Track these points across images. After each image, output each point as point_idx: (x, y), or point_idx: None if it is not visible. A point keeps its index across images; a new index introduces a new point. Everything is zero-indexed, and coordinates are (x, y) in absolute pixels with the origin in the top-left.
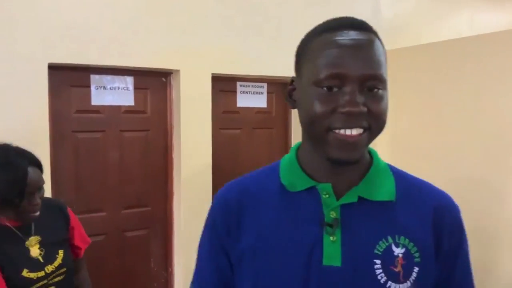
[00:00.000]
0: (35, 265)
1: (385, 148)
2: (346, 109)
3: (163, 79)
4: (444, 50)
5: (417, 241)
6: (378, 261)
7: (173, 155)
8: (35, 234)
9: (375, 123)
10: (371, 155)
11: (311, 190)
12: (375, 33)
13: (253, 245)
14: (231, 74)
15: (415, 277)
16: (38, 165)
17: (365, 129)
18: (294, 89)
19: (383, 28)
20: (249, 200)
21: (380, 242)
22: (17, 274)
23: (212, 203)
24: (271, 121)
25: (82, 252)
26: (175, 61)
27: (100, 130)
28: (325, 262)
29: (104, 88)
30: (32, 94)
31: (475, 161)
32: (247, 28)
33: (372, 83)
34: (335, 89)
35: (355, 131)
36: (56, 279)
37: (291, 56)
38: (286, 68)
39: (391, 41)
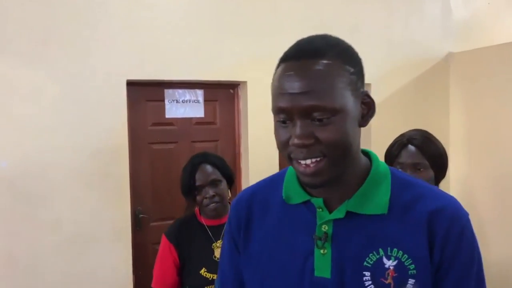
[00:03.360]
0: (214, 266)
1: (460, 148)
2: (295, 141)
3: (231, 91)
4: None
5: (412, 252)
6: (367, 273)
7: (241, 164)
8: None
9: (328, 151)
10: (371, 160)
11: (308, 203)
12: (335, 53)
13: (257, 251)
14: None
15: None
16: (213, 163)
17: (322, 157)
18: None
19: (454, 29)
20: (257, 207)
21: (371, 254)
22: (196, 271)
23: (230, 207)
24: None
25: None
26: (242, 73)
27: (173, 142)
28: (316, 273)
29: (177, 101)
30: (112, 109)
31: None
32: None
33: (318, 114)
34: (287, 122)
35: (309, 161)
36: None
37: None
38: None
39: (463, 42)
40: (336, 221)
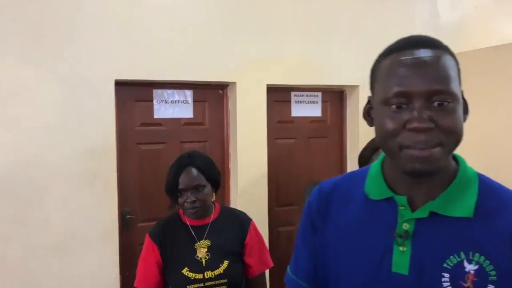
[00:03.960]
0: (196, 266)
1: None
2: (413, 125)
3: (220, 92)
4: (508, 53)
5: (494, 259)
6: (446, 275)
7: (230, 165)
8: (207, 238)
9: (446, 138)
10: (458, 164)
11: (391, 200)
12: (445, 49)
13: (334, 242)
14: (285, 85)
15: None
16: (198, 167)
17: (437, 144)
18: (371, 107)
19: (442, 32)
20: (338, 198)
21: (451, 257)
22: (178, 271)
23: (312, 192)
24: (326, 130)
25: (255, 272)
26: (231, 73)
27: (161, 142)
28: (394, 269)
29: (166, 102)
30: (100, 109)
31: None
32: (301, 39)
33: (439, 98)
34: (403, 107)
35: (427, 145)
36: None
37: (344, 64)
38: (340, 77)
39: (450, 45)
40: (418, 220)
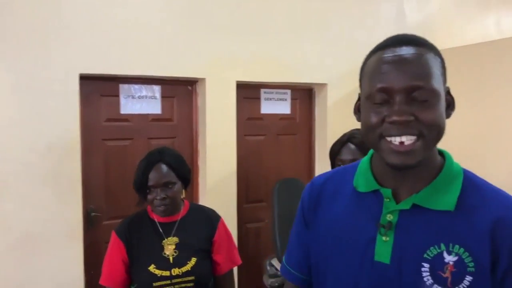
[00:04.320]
0: (163, 263)
1: None
2: (393, 118)
3: (189, 87)
4: (471, 54)
5: (473, 251)
6: (426, 265)
7: (198, 162)
8: (175, 235)
9: (426, 130)
10: (445, 159)
11: (377, 192)
12: (430, 47)
13: (324, 231)
14: (255, 82)
15: (468, 286)
16: (169, 163)
17: (418, 137)
18: (360, 103)
19: (407, 32)
20: (328, 192)
21: (432, 248)
22: (145, 267)
23: (305, 188)
24: (295, 127)
25: (223, 269)
26: (201, 69)
27: (128, 138)
28: (376, 258)
29: (133, 97)
30: (64, 104)
31: (497, 165)
32: (271, 36)
33: (419, 93)
34: (385, 102)
35: (404, 138)
36: (184, 285)
37: (313, 62)
38: (309, 75)
39: None
40: (402, 212)
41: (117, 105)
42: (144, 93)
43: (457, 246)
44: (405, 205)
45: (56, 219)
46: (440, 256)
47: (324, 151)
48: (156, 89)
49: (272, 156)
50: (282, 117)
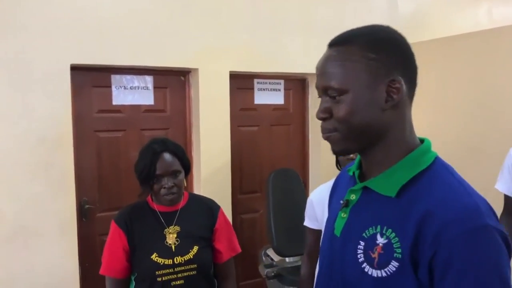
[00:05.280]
0: (165, 251)
1: None
2: (316, 115)
3: (182, 78)
4: (462, 43)
5: (402, 238)
6: (362, 243)
7: (192, 153)
8: (176, 224)
9: (339, 125)
10: (424, 145)
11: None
12: (354, 44)
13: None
14: (248, 72)
15: (394, 271)
16: (174, 152)
17: (333, 131)
18: None
19: (400, 22)
20: (342, 177)
21: (370, 228)
22: (147, 256)
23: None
24: (288, 118)
25: (224, 257)
26: (193, 59)
27: (121, 130)
28: (335, 231)
29: (125, 88)
30: (55, 95)
31: (493, 154)
32: (264, 25)
33: (330, 92)
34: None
35: (324, 132)
36: (186, 274)
37: (307, 52)
38: (302, 65)
39: (408, 35)
40: (362, 193)
41: (109, 96)
42: (136, 83)
43: (390, 230)
44: (357, 186)
45: (49, 212)
46: (374, 236)
47: (317, 141)
48: (149, 80)
49: (266, 147)
50: (275, 107)
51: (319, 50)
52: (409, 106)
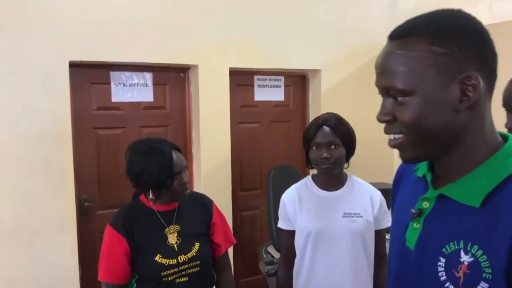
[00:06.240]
0: (169, 252)
1: None
2: (377, 117)
3: (181, 75)
4: None
5: (492, 256)
6: (443, 260)
7: (192, 150)
8: (176, 223)
9: (406, 130)
10: (509, 144)
11: (425, 177)
12: (419, 36)
13: (394, 212)
14: (248, 68)
15: None
16: (178, 149)
17: (401, 135)
18: None
19: (401, 18)
20: (405, 175)
21: (451, 243)
22: (151, 258)
23: None
24: (288, 114)
25: (223, 250)
26: (193, 56)
27: (120, 127)
28: (407, 243)
29: (124, 84)
30: (54, 92)
31: None
32: (264, 22)
33: (393, 93)
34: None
35: (391, 136)
36: (190, 271)
37: (307, 49)
38: (303, 61)
39: None
40: (437, 201)
41: (108, 93)
42: (135, 80)
43: (475, 247)
44: (432, 194)
45: (48, 209)
46: (457, 253)
47: None
48: (148, 77)
49: (266, 144)
50: (276, 104)
51: (319, 46)
52: (489, 102)
